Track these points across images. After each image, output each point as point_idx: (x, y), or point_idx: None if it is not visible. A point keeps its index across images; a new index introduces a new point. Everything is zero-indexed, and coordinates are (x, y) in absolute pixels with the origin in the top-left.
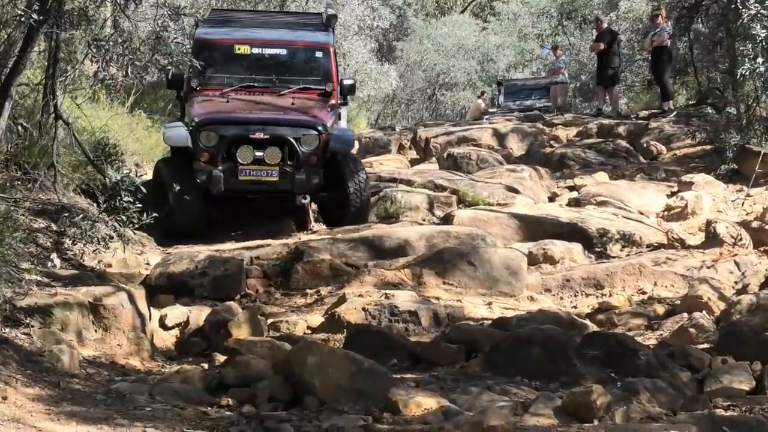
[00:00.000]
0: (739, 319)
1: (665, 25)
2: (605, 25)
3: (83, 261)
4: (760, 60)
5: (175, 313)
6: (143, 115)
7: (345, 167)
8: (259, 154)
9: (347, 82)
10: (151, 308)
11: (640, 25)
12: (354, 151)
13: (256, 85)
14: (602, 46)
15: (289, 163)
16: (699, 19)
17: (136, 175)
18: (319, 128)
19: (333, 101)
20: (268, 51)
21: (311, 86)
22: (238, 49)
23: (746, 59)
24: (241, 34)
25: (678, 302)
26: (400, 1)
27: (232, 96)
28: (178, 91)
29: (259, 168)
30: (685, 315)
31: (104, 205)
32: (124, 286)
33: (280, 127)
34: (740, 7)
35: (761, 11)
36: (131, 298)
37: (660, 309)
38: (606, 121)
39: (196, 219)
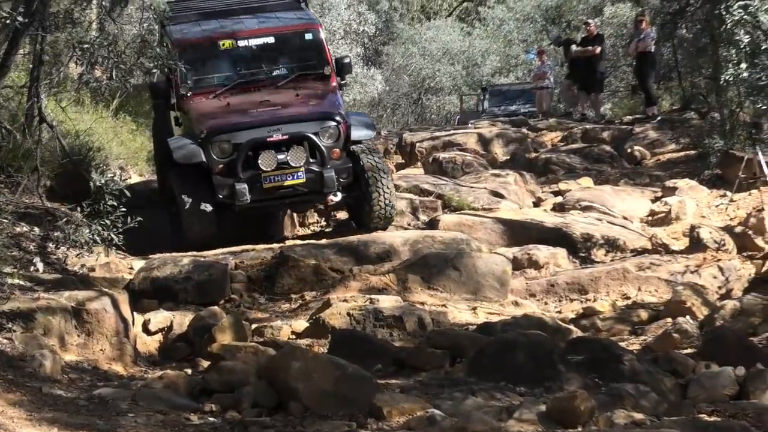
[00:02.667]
0: (723, 325)
1: (649, 30)
2: (594, 29)
3: (66, 265)
4: (743, 66)
5: (159, 317)
6: (128, 118)
7: (365, 162)
8: (281, 157)
9: (344, 60)
10: (135, 313)
11: (625, 31)
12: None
13: (249, 81)
14: (598, 49)
15: (312, 161)
16: (683, 25)
17: (121, 179)
18: (337, 118)
19: (334, 83)
20: (254, 42)
21: (308, 72)
22: (223, 44)
23: (730, 65)
24: (222, 28)
25: (662, 307)
26: (386, 6)
27: (229, 98)
28: (166, 100)
29: (284, 172)
30: (669, 320)
31: (88, 209)
32: (107, 290)
33: (296, 123)
34: (724, 13)
35: (745, 17)
36: (114, 303)
37: (644, 314)
38: (590, 127)
39: (210, 234)
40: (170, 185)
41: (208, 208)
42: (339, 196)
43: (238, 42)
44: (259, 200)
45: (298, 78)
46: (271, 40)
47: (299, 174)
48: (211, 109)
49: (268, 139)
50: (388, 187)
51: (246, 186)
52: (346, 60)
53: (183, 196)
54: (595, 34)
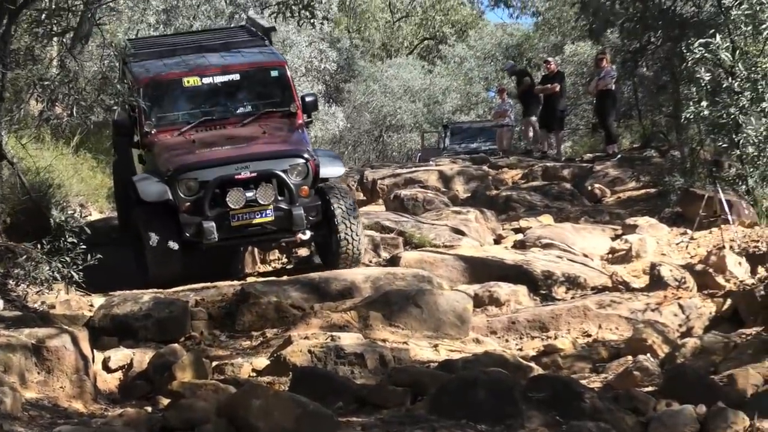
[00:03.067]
0: (684, 363)
1: (610, 68)
2: (554, 67)
3: (27, 302)
4: (704, 103)
5: (119, 355)
6: (88, 155)
7: (333, 199)
8: (250, 195)
9: (309, 98)
10: (95, 350)
11: (585, 69)
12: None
13: (214, 118)
14: (557, 87)
15: (280, 198)
16: (643, 63)
17: (81, 216)
18: (306, 156)
19: (300, 121)
20: (220, 79)
21: (274, 109)
22: (188, 81)
23: (691, 103)
24: (186, 65)
25: (623, 345)
26: (347, 44)
27: (194, 135)
28: (129, 138)
29: (252, 210)
30: (630, 358)
31: (48, 246)
32: (67, 327)
33: (264, 161)
34: (685, 51)
35: (706, 55)
36: (74, 340)
37: (605, 352)
38: (551, 164)
39: (176, 272)
40: (135, 223)
41: (175, 246)
42: (308, 235)
43: (203, 79)
44: (227, 238)
45: (264, 115)
46: (236, 77)
47: (268, 212)
48: (176, 146)
49: (236, 177)
50: (356, 226)
51: (214, 224)
52: (312, 98)
53: (149, 234)
54: (555, 72)
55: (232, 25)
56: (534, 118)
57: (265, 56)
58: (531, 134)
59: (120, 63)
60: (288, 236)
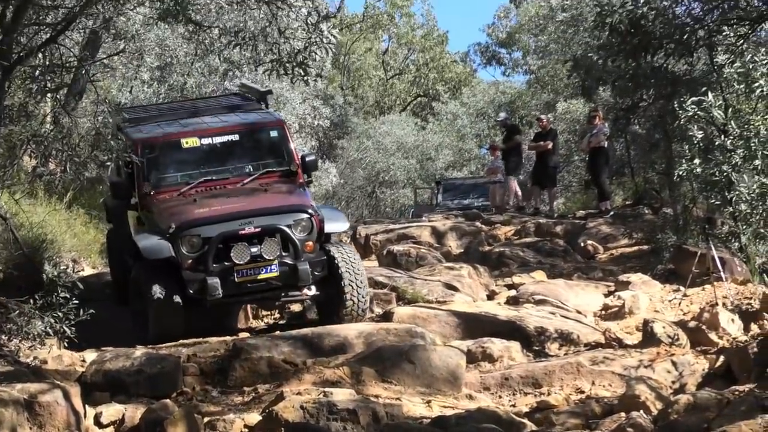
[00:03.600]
0: (677, 419)
1: (602, 126)
2: (547, 124)
3: (19, 357)
4: (697, 161)
5: (111, 410)
6: (81, 210)
7: (338, 256)
8: (254, 250)
9: (309, 158)
10: (87, 406)
11: (578, 126)
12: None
13: (214, 178)
14: (550, 144)
15: (285, 254)
16: (636, 121)
17: (74, 271)
18: (310, 211)
19: (301, 180)
20: (218, 139)
21: (274, 168)
22: (186, 142)
23: (683, 160)
24: (184, 127)
25: (616, 402)
26: (340, 101)
27: (195, 195)
28: (126, 200)
29: (257, 265)
30: (623, 415)
31: (41, 301)
32: (59, 383)
33: (268, 216)
34: (677, 109)
35: (698, 112)
36: (66, 396)
37: (598, 408)
38: (544, 221)
39: (178, 329)
40: (135, 280)
41: (179, 300)
42: (313, 290)
43: (202, 140)
44: (231, 294)
45: (265, 175)
46: (235, 137)
47: (273, 267)
48: (177, 204)
49: (240, 232)
50: (362, 283)
51: (218, 280)
52: (312, 157)
53: (152, 289)
54: (548, 129)
55: (226, 92)
56: (512, 178)
57: (263, 116)
58: (514, 193)
59: (113, 128)
60: (293, 292)
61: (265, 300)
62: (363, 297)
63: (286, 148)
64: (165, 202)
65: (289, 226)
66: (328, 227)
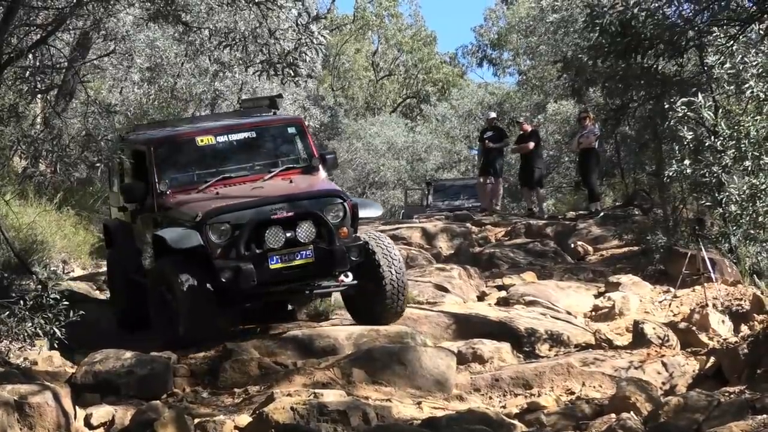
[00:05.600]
0: (667, 420)
1: (593, 126)
2: (528, 127)
3: (9, 358)
4: (687, 162)
5: (101, 412)
6: (71, 211)
7: (372, 243)
8: (289, 234)
9: (329, 156)
10: (77, 407)
11: (568, 127)
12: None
13: (232, 176)
14: (531, 145)
15: (319, 239)
16: (626, 122)
17: (64, 272)
18: (342, 196)
19: (323, 176)
20: (235, 137)
21: (294, 165)
22: (201, 141)
23: (673, 161)
24: (200, 125)
25: (606, 403)
26: (331, 102)
27: (215, 190)
28: (140, 203)
29: (291, 250)
30: (613, 416)
31: (31, 303)
32: (49, 384)
33: (299, 201)
34: (667, 110)
35: (688, 113)
36: (56, 397)
37: (588, 409)
38: (534, 222)
39: (210, 326)
40: (159, 276)
41: (210, 289)
42: (350, 278)
43: (218, 137)
44: (266, 282)
45: (284, 171)
46: (252, 134)
47: (308, 252)
48: (199, 198)
49: (273, 217)
50: (401, 275)
51: (252, 266)
52: (332, 156)
53: (182, 277)
54: (529, 132)
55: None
56: (501, 180)
57: (284, 114)
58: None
59: (118, 139)
60: (329, 280)
61: (299, 291)
62: (404, 290)
63: (305, 145)
64: (185, 198)
65: (321, 211)
66: (363, 213)
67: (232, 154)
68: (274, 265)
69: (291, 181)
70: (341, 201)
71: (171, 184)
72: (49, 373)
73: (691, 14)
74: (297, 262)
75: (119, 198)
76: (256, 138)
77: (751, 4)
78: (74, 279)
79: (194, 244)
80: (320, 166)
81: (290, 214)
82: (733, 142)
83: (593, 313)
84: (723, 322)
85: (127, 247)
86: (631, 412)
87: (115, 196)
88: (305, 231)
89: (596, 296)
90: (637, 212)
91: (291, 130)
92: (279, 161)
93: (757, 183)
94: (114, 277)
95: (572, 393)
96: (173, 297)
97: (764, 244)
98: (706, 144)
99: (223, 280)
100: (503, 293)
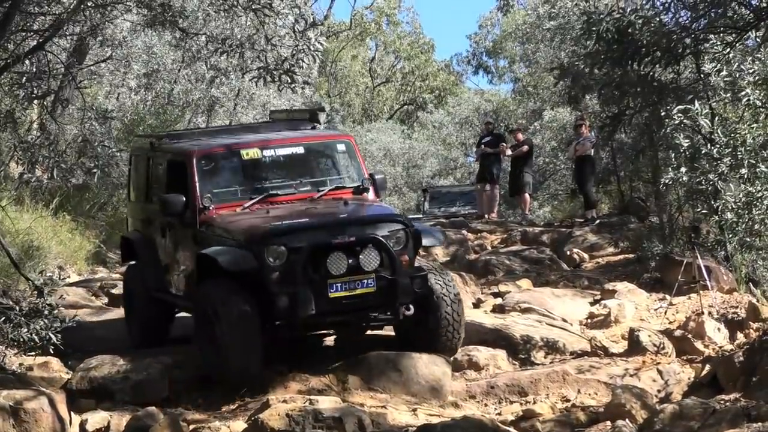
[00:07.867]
0: (662, 428)
1: (589, 134)
2: (521, 136)
3: (4, 364)
4: (683, 170)
5: (96, 418)
6: (67, 217)
7: (431, 276)
8: (351, 261)
9: (378, 177)
10: (72, 413)
11: (564, 135)
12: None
13: (279, 193)
14: (526, 148)
15: (380, 268)
16: (622, 129)
17: (59, 278)
18: (404, 222)
19: (374, 197)
20: (282, 151)
21: (344, 185)
22: (246, 154)
23: (669, 169)
24: (244, 138)
25: (601, 410)
26: (328, 108)
27: (265, 207)
28: (180, 217)
29: (353, 279)
30: (609, 423)
31: (27, 308)
32: (45, 390)
33: (361, 226)
34: (664, 117)
35: (685, 121)
36: (52, 403)
37: (583, 417)
38: (530, 229)
39: (257, 359)
40: (205, 300)
41: (259, 320)
42: (411, 310)
43: (264, 152)
44: (324, 312)
45: (334, 191)
46: (300, 150)
47: (370, 281)
48: (248, 216)
49: (334, 242)
50: (458, 306)
51: (311, 294)
52: (381, 176)
53: (233, 301)
54: (522, 140)
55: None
56: (497, 186)
57: (333, 131)
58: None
59: (149, 146)
60: (389, 313)
61: (356, 322)
62: (459, 323)
63: (355, 164)
64: (231, 216)
65: (385, 237)
66: (426, 241)
67: (277, 170)
68: (334, 293)
69: (346, 203)
70: (403, 227)
71: (213, 199)
72: (45, 379)
73: (687, 22)
74: (359, 291)
75: (142, 210)
76: (305, 154)
77: (747, 12)
78: (70, 285)
79: (249, 267)
80: (372, 187)
81: (352, 239)
82: (730, 149)
83: (589, 320)
84: (719, 329)
85: (151, 263)
86: (627, 420)
87: (136, 207)
88: (368, 258)
89: (592, 303)
90: (633, 220)
91: (341, 147)
92: (327, 180)
93: (753, 191)
94: (133, 294)
95: (568, 400)
96: (219, 325)
97: (760, 252)
98: (703, 152)
99: (280, 306)
100: (499, 300)
